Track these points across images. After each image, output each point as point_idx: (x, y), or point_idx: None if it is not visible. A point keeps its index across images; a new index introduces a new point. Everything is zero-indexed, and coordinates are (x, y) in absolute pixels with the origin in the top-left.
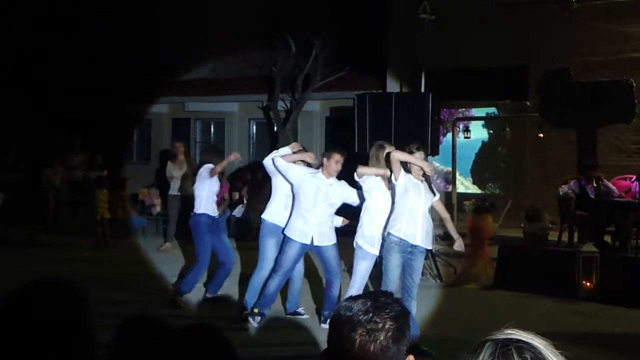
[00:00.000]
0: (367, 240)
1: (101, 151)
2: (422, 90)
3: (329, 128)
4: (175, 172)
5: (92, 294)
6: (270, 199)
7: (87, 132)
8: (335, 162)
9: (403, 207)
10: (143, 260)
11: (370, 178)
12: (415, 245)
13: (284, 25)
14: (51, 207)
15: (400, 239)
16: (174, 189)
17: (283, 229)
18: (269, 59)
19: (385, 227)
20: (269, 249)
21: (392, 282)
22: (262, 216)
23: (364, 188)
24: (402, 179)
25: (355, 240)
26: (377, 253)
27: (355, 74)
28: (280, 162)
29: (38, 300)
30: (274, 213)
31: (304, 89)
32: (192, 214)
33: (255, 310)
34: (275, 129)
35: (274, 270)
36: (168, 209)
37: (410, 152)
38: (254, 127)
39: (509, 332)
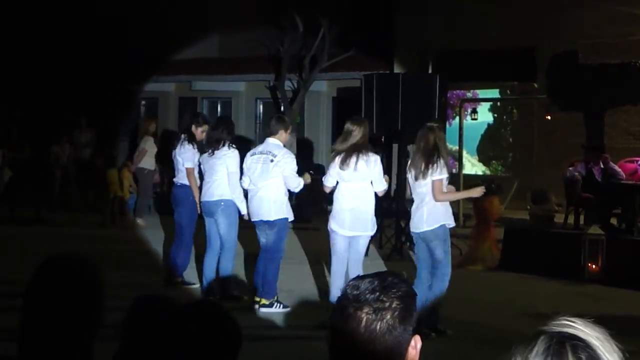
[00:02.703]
0: (338, 221)
1: (106, 129)
2: (430, 71)
3: (336, 108)
4: (155, 147)
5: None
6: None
7: (92, 110)
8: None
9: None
10: (151, 239)
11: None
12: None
13: (292, 5)
14: (57, 184)
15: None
16: (151, 164)
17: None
18: (277, 38)
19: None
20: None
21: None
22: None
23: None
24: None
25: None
26: (349, 233)
27: (362, 55)
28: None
29: (54, 277)
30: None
31: (311, 68)
32: (178, 184)
33: (275, 298)
34: (282, 108)
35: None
36: (141, 184)
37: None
38: (261, 107)
39: (565, 322)
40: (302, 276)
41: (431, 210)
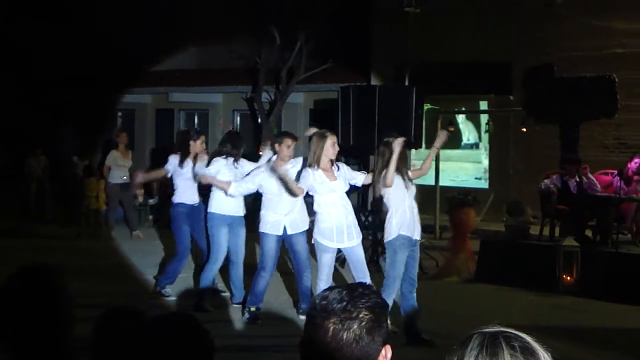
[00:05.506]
0: (324, 234)
1: (83, 140)
2: (406, 83)
3: (313, 120)
4: (120, 160)
5: (74, 285)
6: (212, 191)
7: (69, 121)
8: (287, 147)
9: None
10: (125, 251)
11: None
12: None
13: (269, 17)
14: (33, 196)
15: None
16: (118, 177)
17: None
18: (254, 50)
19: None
20: (222, 239)
21: (399, 276)
22: (208, 210)
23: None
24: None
25: (313, 237)
26: (336, 245)
27: (339, 67)
28: (240, 189)
29: (19, 289)
30: (218, 204)
31: (288, 80)
32: (171, 203)
33: (253, 309)
34: (259, 120)
35: (260, 267)
36: (109, 197)
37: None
38: (238, 119)
39: (494, 326)
40: (275, 287)
41: (386, 224)
